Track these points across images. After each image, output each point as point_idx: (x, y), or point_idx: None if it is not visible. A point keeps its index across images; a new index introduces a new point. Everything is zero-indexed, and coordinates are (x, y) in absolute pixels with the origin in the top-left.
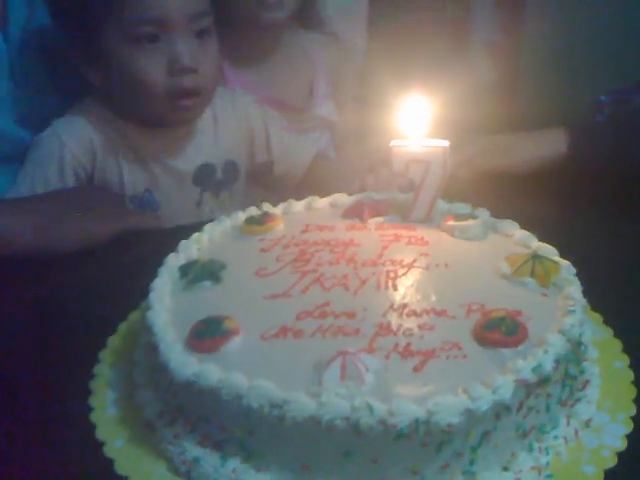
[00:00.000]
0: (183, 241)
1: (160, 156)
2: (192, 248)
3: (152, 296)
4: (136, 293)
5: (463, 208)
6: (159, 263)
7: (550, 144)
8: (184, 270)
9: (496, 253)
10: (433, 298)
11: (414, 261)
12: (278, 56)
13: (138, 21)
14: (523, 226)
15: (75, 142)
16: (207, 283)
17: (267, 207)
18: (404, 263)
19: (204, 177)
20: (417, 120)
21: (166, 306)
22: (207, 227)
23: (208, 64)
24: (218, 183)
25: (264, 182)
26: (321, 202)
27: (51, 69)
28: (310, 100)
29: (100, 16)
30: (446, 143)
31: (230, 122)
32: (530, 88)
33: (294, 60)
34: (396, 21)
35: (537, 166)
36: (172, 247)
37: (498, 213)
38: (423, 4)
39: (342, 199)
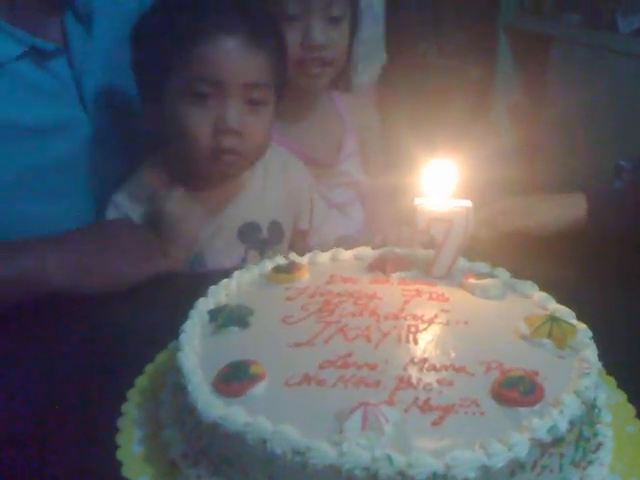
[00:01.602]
0: (213, 286)
1: (209, 211)
2: (221, 293)
3: (182, 338)
4: (163, 334)
5: (483, 267)
6: (186, 306)
7: (570, 208)
8: (213, 314)
9: (515, 313)
10: (453, 354)
11: (435, 317)
12: (312, 115)
13: (197, 78)
14: (542, 287)
15: (138, 216)
16: (235, 328)
17: (294, 256)
18: (425, 318)
19: (249, 235)
20: (440, 180)
21: (195, 349)
22: (236, 274)
23: (255, 130)
24: (263, 242)
25: (296, 249)
26: (346, 254)
27: (121, 93)
28: (338, 157)
29: (167, 65)
30: (469, 203)
31: (279, 183)
32: (551, 150)
33: (326, 118)
34: (421, 82)
35: (556, 229)
36: (200, 291)
37: (517, 273)
38: (447, 66)
39: (366, 252)
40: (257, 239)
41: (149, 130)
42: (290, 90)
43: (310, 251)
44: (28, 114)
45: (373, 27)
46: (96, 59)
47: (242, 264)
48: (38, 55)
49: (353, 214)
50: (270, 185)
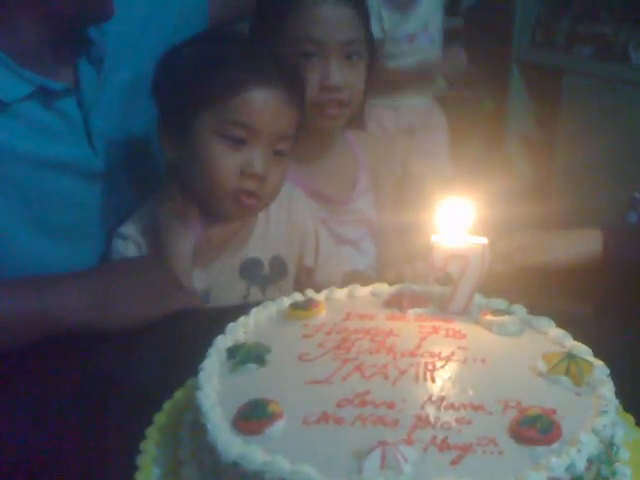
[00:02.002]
0: (231, 324)
1: (211, 247)
2: (239, 331)
3: (201, 377)
4: (181, 371)
5: (500, 304)
6: (203, 342)
7: (586, 243)
8: (231, 352)
9: (532, 350)
10: (470, 392)
11: (452, 354)
12: (326, 153)
13: (232, 122)
14: (558, 322)
15: (136, 247)
16: (253, 365)
17: (310, 293)
18: (442, 356)
19: (250, 271)
20: (456, 217)
21: (214, 387)
22: (254, 311)
23: (276, 177)
24: (265, 278)
25: (303, 285)
26: (362, 290)
27: (129, 133)
28: (351, 194)
29: (200, 105)
30: (485, 240)
31: (283, 219)
32: (565, 182)
33: (340, 156)
34: None
35: (573, 264)
36: (216, 327)
37: (534, 308)
38: (459, 98)
39: (382, 288)
40: (259, 275)
41: (162, 165)
42: (306, 130)
43: (316, 287)
44: (34, 153)
45: (430, 50)
46: (105, 98)
47: (245, 300)
48: (46, 95)
49: (365, 250)
50: (273, 220)
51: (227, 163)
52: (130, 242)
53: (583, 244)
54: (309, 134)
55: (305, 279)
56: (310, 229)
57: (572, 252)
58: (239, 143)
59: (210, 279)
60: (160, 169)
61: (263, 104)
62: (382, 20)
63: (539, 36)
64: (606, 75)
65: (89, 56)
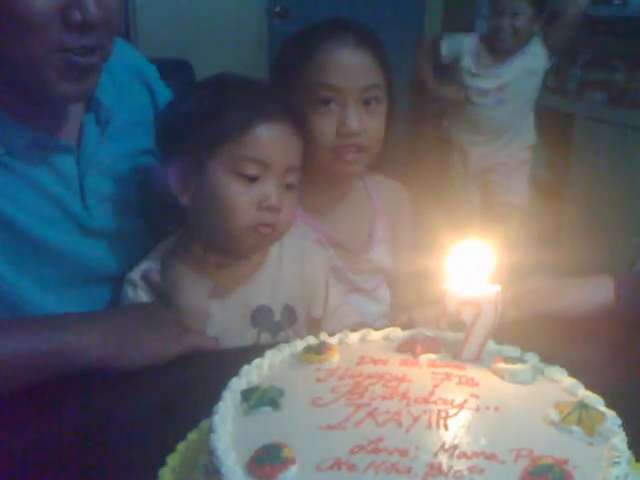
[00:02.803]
0: (245, 366)
1: (222, 293)
2: (253, 373)
3: (216, 420)
4: (194, 412)
5: (513, 351)
6: (216, 383)
7: (598, 291)
8: (246, 395)
9: (544, 399)
10: (483, 441)
11: (465, 402)
12: (344, 199)
13: (244, 159)
14: (570, 370)
15: (146, 294)
16: (267, 409)
17: (324, 337)
18: (455, 403)
19: (262, 318)
20: (469, 263)
21: (228, 430)
22: (268, 353)
23: (289, 208)
24: (276, 325)
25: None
26: (375, 334)
27: (125, 192)
28: (368, 243)
29: (211, 148)
30: (498, 288)
31: (294, 267)
32: (575, 226)
33: (357, 203)
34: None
35: (584, 311)
36: (228, 369)
37: (545, 355)
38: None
39: (395, 333)
40: (271, 322)
41: (160, 218)
42: (323, 176)
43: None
44: (25, 210)
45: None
46: (103, 157)
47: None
48: (42, 149)
49: (380, 298)
50: (285, 268)
51: (244, 199)
52: (139, 288)
53: (594, 291)
54: (327, 180)
55: (313, 330)
56: (320, 280)
57: (583, 299)
58: (253, 179)
59: (221, 326)
60: (159, 222)
61: (271, 138)
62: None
63: (551, 82)
64: (618, 121)
65: (96, 116)
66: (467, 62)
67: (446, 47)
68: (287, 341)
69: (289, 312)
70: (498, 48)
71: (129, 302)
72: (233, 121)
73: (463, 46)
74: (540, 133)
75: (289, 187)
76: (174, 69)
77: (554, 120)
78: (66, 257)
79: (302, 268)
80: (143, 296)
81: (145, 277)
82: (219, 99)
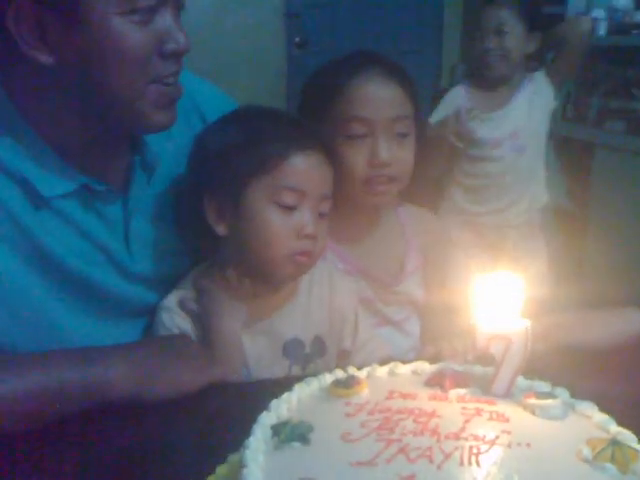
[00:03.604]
0: (274, 400)
1: (254, 324)
2: (282, 407)
3: (247, 455)
4: (222, 445)
5: (543, 386)
6: (243, 416)
7: (625, 322)
8: (276, 430)
9: (576, 435)
10: (516, 478)
11: (496, 438)
12: (375, 231)
13: (282, 189)
14: (601, 404)
15: (182, 320)
16: (297, 444)
17: (352, 370)
18: (486, 439)
19: (293, 351)
20: (500, 296)
21: (260, 465)
22: (296, 387)
23: (322, 236)
24: (306, 357)
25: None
26: (404, 368)
27: (168, 236)
28: (399, 275)
29: (249, 179)
30: (528, 322)
31: (324, 299)
32: (598, 255)
33: (389, 233)
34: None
35: (613, 344)
36: (254, 401)
37: (575, 389)
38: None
39: (424, 367)
40: (301, 355)
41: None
42: (353, 206)
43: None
44: (69, 250)
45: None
46: (148, 202)
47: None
48: (88, 194)
49: (409, 331)
50: (314, 299)
51: (283, 228)
52: (175, 314)
53: (622, 323)
54: (356, 210)
55: (342, 362)
56: (349, 312)
57: (611, 331)
58: (290, 208)
59: (253, 357)
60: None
61: (307, 168)
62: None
63: (570, 111)
64: (638, 150)
65: (143, 161)
66: (467, 115)
67: (437, 117)
68: (316, 373)
69: (319, 344)
70: (491, 78)
71: (164, 328)
72: (270, 152)
73: (454, 102)
74: (560, 162)
75: (322, 215)
76: None
77: (574, 149)
78: (108, 296)
79: (331, 300)
80: (180, 322)
81: (181, 303)
82: (254, 131)
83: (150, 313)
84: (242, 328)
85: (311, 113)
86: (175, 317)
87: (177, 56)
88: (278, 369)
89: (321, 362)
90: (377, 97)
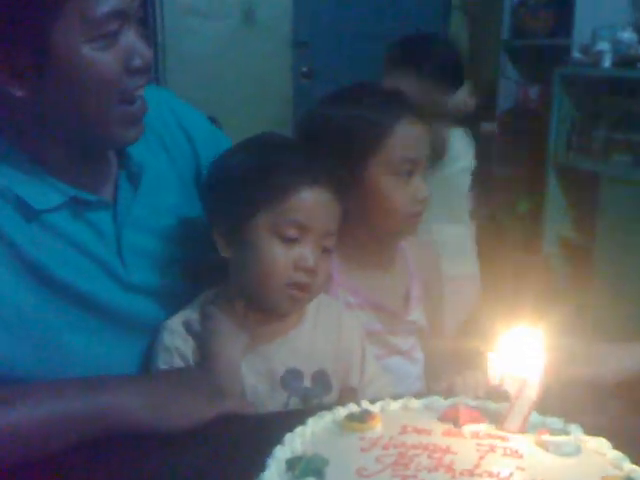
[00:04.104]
0: (289, 434)
1: (254, 351)
2: (297, 441)
3: None
4: (234, 477)
5: (556, 422)
6: (251, 448)
7: (635, 357)
8: (291, 464)
9: (591, 472)
10: None
11: (511, 475)
12: (385, 262)
13: (286, 222)
14: (614, 441)
15: (183, 342)
16: (312, 479)
17: (366, 404)
18: (501, 476)
19: (292, 382)
20: (514, 337)
21: None
22: (310, 421)
23: (324, 271)
24: (306, 391)
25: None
26: (417, 403)
27: (161, 245)
28: (407, 305)
29: (255, 208)
30: (543, 359)
31: (331, 334)
32: (605, 285)
33: (395, 265)
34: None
35: (624, 378)
36: (265, 433)
37: (588, 425)
38: (494, 198)
39: (437, 402)
40: (300, 387)
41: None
42: (376, 239)
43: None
44: (63, 263)
45: None
46: (138, 212)
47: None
48: (79, 206)
49: (416, 358)
50: (320, 333)
51: (281, 259)
52: (177, 336)
53: (633, 357)
54: (378, 243)
55: (348, 399)
56: (357, 349)
57: (623, 366)
58: (292, 241)
59: (250, 385)
60: (200, 276)
61: (314, 203)
62: None
63: (575, 142)
64: None
65: (128, 172)
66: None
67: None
68: (320, 408)
69: (322, 379)
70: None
71: (164, 348)
72: (278, 184)
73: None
74: (566, 192)
75: (325, 250)
76: None
77: (580, 180)
78: (104, 308)
79: (339, 335)
80: (180, 344)
81: (186, 324)
82: (265, 161)
83: (151, 329)
84: (242, 355)
85: (356, 157)
86: (176, 339)
87: (143, 71)
88: (276, 400)
89: (327, 400)
90: (419, 138)
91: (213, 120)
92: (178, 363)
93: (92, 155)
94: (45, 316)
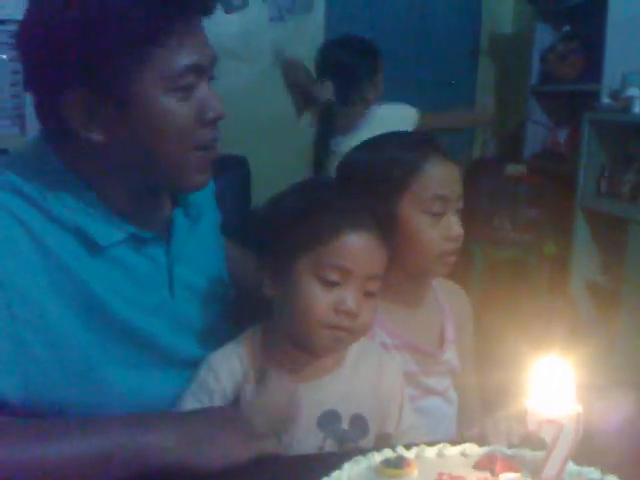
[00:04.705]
0: (325, 478)
1: (295, 390)
2: None
3: None
4: None
5: (593, 472)
6: None
7: None
8: None
9: None
10: None
11: None
12: (420, 302)
13: (328, 266)
14: None
15: (227, 379)
16: None
17: (401, 450)
18: None
19: (328, 424)
20: (550, 380)
21: None
22: (346, 466)
23: (367, 314)
24: (343, 434)
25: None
26: (452, 450)
27: (210, 284)
28: (441, 345)
29: (299, 250)
30: (580, 407)
31: (371, 379)
32: (632, 333)
33: (429, 307)
34: (495, 257)
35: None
36: (299, 475)
37: (625, 474)
38: (521, 241)
39: (473, 449)
40: (337, 429)
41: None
42: (411, 279)
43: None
44: (119, 296)
45: None
46: (191, 249)
47: (318, 451)
48: (137, 241)
49: (452, 398)
50: (360, 377)
51: (322, 302)
52: (212, 373)
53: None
54: (411, 283)
55: (383, 445)
56: (397, 394)
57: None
58: (333, 284)
59: (283, 425)
60: (245, 314)
61: (358, 248)
62: None
63: (604, 186)
64: None
65: (185, 210)
66: None
67: None
68: (356, 451)
69: (360, 423)
70: None
71: (198, 383)
72: (322, 228)
73: None
74: (594, 236)
75: (369, 294)
76: (231, 165)
77: (608, 224)
78: (151, 342)
79: (379, 380)
80: (212, 382)
81: (228, 358)
82: (308, 203)
83: (192, 365)
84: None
85: (387, 195)
86: (210, 376)
87: (215, 122)
88: (311, 441)
89: (363, 443)
90: (452, 176)
91: (244, 160)
92: (204, 400)
93: (152, 195)
94: (91, 348)
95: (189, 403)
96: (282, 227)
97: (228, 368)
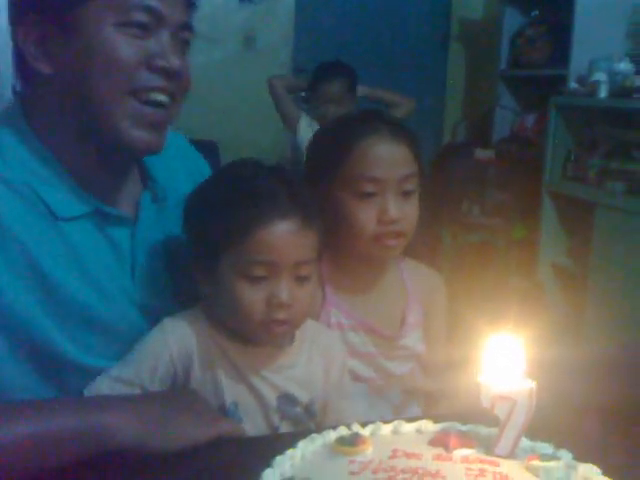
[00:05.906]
0: (278, 457)
1: (255, 371)
2: (286, 464)
3: None
4: None
5: (546, 448)
6: (243, 472)
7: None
8: None
9: None
10: None
11: None
12: (378, 283)
13: (252, 261)
14: (604, 467)
15: (177, 347)
16: None
17: (356, 428)
18: None
19: (285, 406)
20: (504, 356)
21: None
22: (300, 444)
23: (303, 301)
24: (297, 416)
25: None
26: (407, 427)
27: (171, 273)
28: (401, 329)
29: (220, 246)
30: (533, 383)
31: (322, 364)
32: (599, 314)
33: (390, 288)
34: (464, 241)
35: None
36: (254, 455)
37: (578, 450)
38: (491, 225)
39: (428, 426)
40: (292, 412)
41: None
42: (359, 261)
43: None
44: (75, 274)
45: None
46: (157, 234)
47: (275, 432)
48: (100, 219)
49: (413, 385)
50: (314, 363)
51: (252, 298)
52: (162, 335)
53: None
54: (362, 265)
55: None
56: (340, 380)
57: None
58: (260, 278)
59: (243, 407)
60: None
61: (279, 239)
62: None
63: (570, 171)
64: (638, 210)
65: (152, 195)
66: None
67: None
68: (309, 431)
69: (310, 405)
70: None
71: (149, 344)
72: (236, 225)
73: None
74: (561, 220)
75: (303, 279)
76: (200, 150)
77: (575, 208)
78: (111, 326)
79: (329, 365)
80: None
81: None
82: (228, 195)
83: None
84: (247, 375)
85: (317, 171)
86: (159, 341)
87: (167, 74)
88: (267, 423)
89: (312, 424)
90: (388, 157)
91: (213, 145)
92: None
93: (113, 163)
94: (44, 326)
95: (124, 367)
96: (202, 223)
97: (183, 340)
